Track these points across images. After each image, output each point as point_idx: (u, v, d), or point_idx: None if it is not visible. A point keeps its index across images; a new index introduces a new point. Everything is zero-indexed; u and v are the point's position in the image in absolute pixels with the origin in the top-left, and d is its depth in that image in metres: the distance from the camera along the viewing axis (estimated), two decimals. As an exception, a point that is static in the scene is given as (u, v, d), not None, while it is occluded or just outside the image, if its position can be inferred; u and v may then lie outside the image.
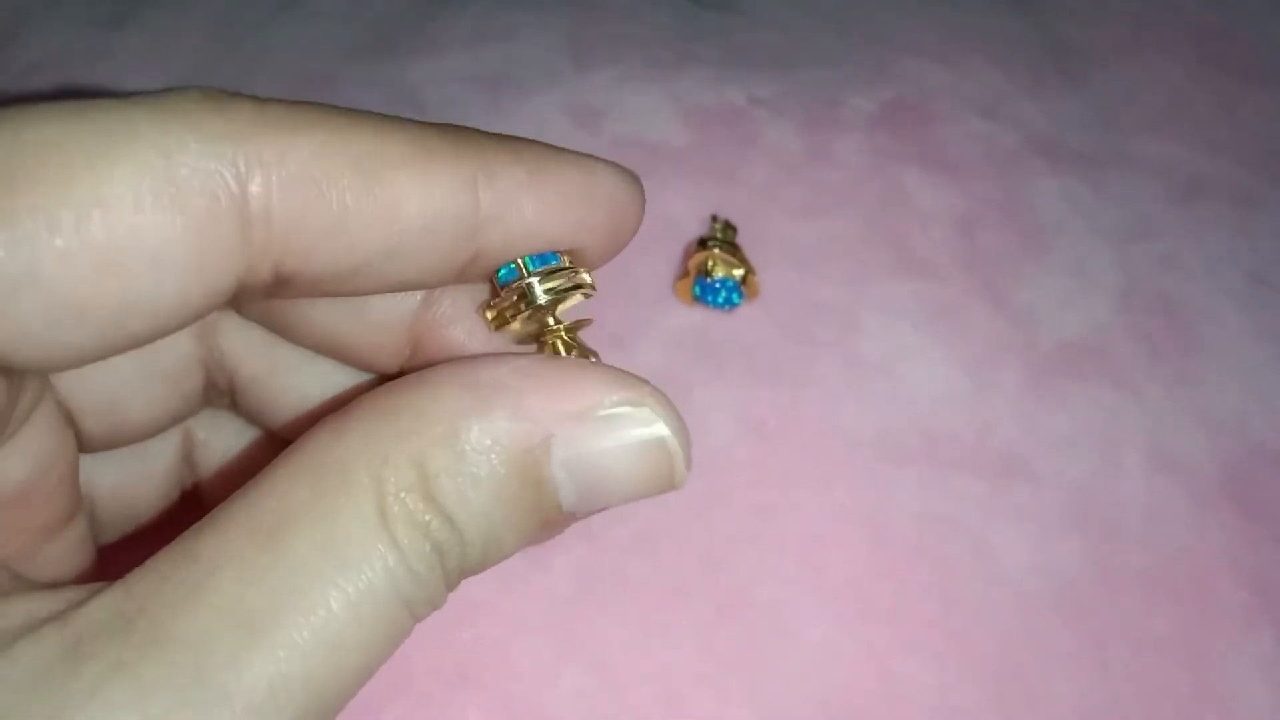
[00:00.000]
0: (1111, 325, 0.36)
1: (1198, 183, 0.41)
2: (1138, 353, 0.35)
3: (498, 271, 0.19)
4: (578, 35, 0.45)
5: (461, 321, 0.20)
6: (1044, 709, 0.28)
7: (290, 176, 0.16)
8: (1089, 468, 0.32)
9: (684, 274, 0.35)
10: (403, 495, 0.16)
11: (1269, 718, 0.28)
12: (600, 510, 0.18)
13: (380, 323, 0.20)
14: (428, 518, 0.16)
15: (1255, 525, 0.31)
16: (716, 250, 0.34)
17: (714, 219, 0.36)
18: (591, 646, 0.28)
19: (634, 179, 0.20)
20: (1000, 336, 0.35)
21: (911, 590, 0.29)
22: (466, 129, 0.19)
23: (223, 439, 0.24)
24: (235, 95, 0.17)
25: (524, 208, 0.18)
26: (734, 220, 0.37)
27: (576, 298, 0.19)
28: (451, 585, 0.16)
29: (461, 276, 0.19)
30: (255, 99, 0.17)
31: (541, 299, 0.19)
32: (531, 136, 0.20)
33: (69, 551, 0.20)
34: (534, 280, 0.19)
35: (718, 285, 0.34)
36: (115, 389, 0.20)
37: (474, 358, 0.18)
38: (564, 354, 0.19)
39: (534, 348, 0.20)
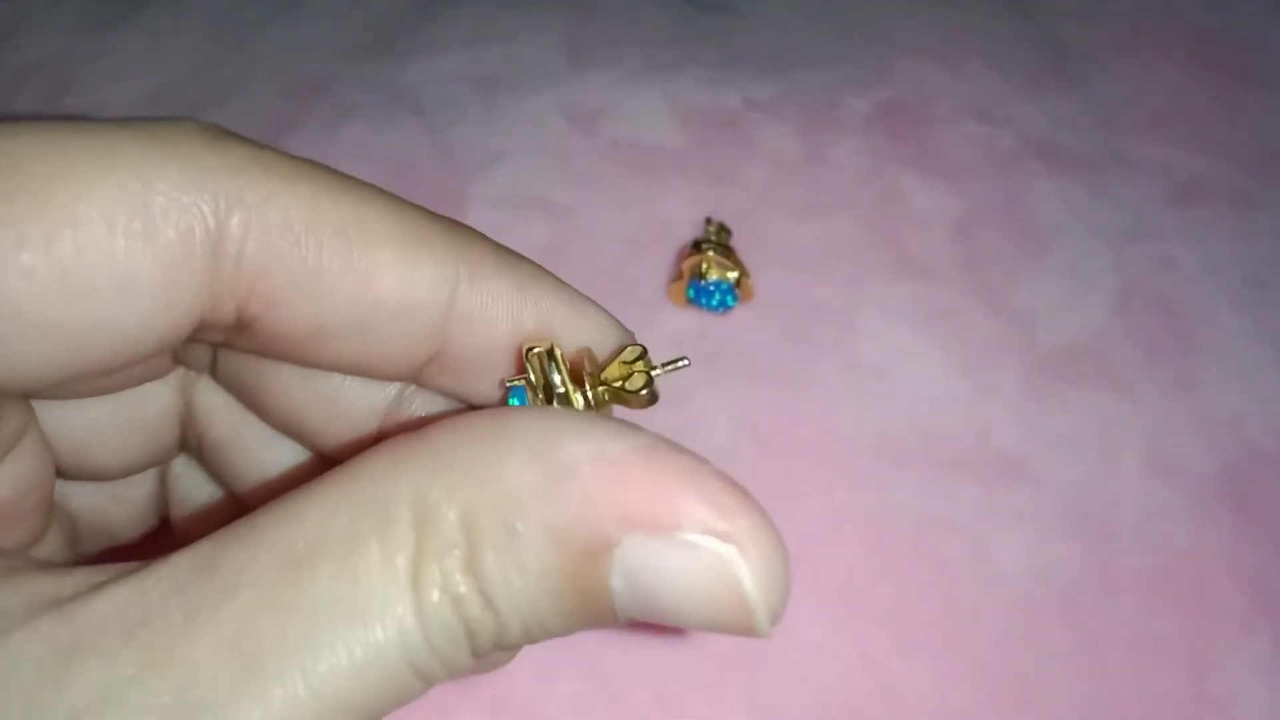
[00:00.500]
0: (1109, 327, 0.36)
1: (1196, 184, 0.41)
2: (1136, 354, 0.35)
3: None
4: (575, 37, 0.45)
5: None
6: (1042, 710, 0.28)
7: (270, 223, 0.16)
8: (1087, 469, 0.32)
9: (678, 276, 0.35)
10: (442, 559, 0.14)
11: (1267, 719, 0.28)
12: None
13: (349, 412, 0.20)
14: (463, 590, 0.14)
15: (1253, 527, 0.31)
16: (711, 253, 0.34)
17: (708, 221, 0.36)
18: (587, 651, 0.28)
19: (622, 328, 0.19)
20: (998, 338, 0.35)
21: (910, 592, 0.29)
22: (464, 225, 0.18)
23: (197, 480, 0.24)
24: (233, 135, 0.16)
25: (498, 321, 0.18)
26: (731, 222, 0.37)
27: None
28: (481, 655, 0.15)
29: (418, 375, 0.19)
30: (254, 142, 0.17)
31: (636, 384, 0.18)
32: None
33: (46, 559, 0.20)
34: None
35: (712, 288, 0.34)
36: (90, 434, 0.20)
37: (561, 414, 0.15)
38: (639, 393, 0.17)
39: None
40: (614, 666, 0.28)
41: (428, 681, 0.14)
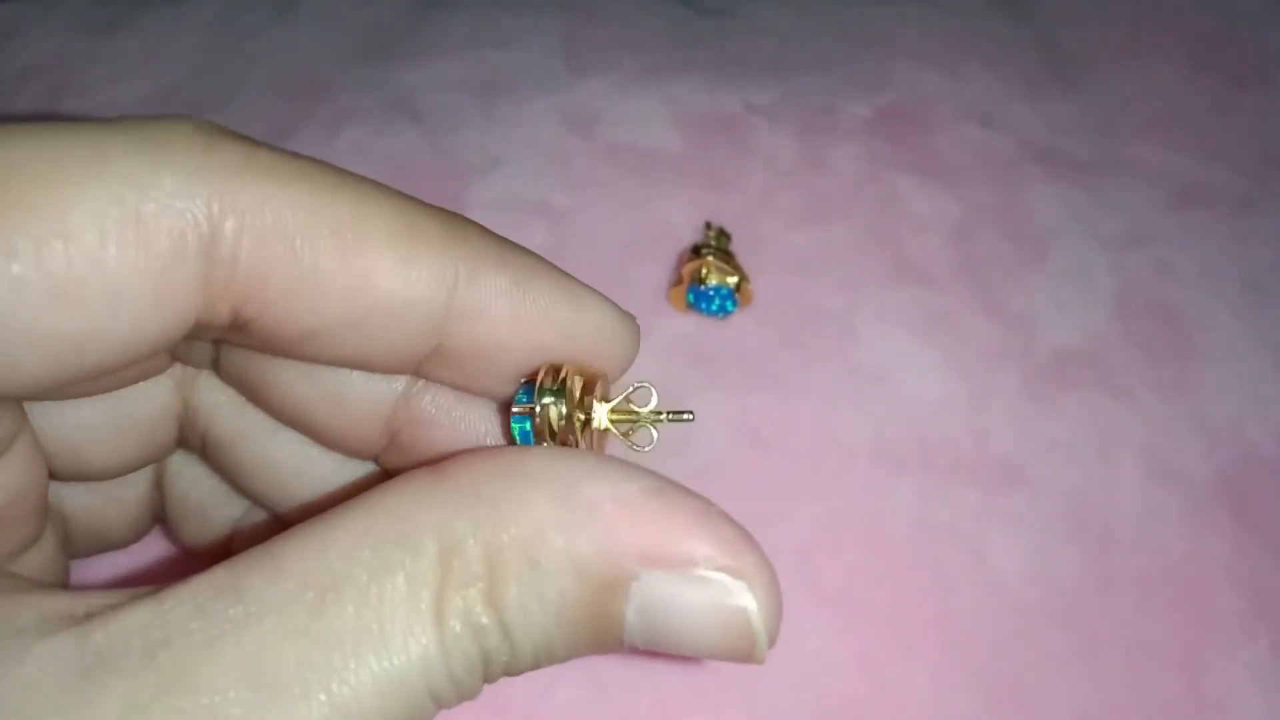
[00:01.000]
0: (1108, 332, 0.36)
1: (1194, 189, 0.41)
2: (1134, 359, 0.35)
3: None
4: (573, 41, 0.45)
5: (443, 421, 0.20)
6: (1040, 715, 0.28)
7: (264, 227, 0.16)
8: (1086, 473, 0.32)
9: (678, 281, 0.35)
10: (466, 591, 0.15)
11: (1266, 725, 0.28)
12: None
13: (357, 407, 0.20)
14: (485, 621, 0.15)
15: (1251, 532, 0.31)
16: (710, 257, 0.34)
17: (708, 226, 0.36)
18: (586, 659, 0.28)
19: (627, 321, 0.19)
20: (996, 343, 0.35)
21: (908, 596, 0.29)
22: (463, 219, 0.18)
23: (197, 476, 0.24)
24: (229, 134, 0.16)
25: (498, 318, 0.18)
26: (730, 226, 0.37)
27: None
28: (491, 681, 0.16)
29: (420, 368, 0.19)
30: (251, 141, 0.16)
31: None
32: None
33: (39, 568, 0.20)
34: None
35: (711, 293, 0.34)
36: (83, 435, 0.20)
37: (578, 456, 0.16)
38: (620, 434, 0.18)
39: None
40: (612, 673, 0.28)
41: (440, 706, 0.15)
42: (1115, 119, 0.43)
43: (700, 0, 0.48)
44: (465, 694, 0.15)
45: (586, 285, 0.19)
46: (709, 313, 0.35)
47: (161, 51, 0.44)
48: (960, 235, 0.38)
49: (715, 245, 0.35)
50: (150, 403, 0.21)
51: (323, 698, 0.14)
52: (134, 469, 0.22)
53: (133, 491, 0.23)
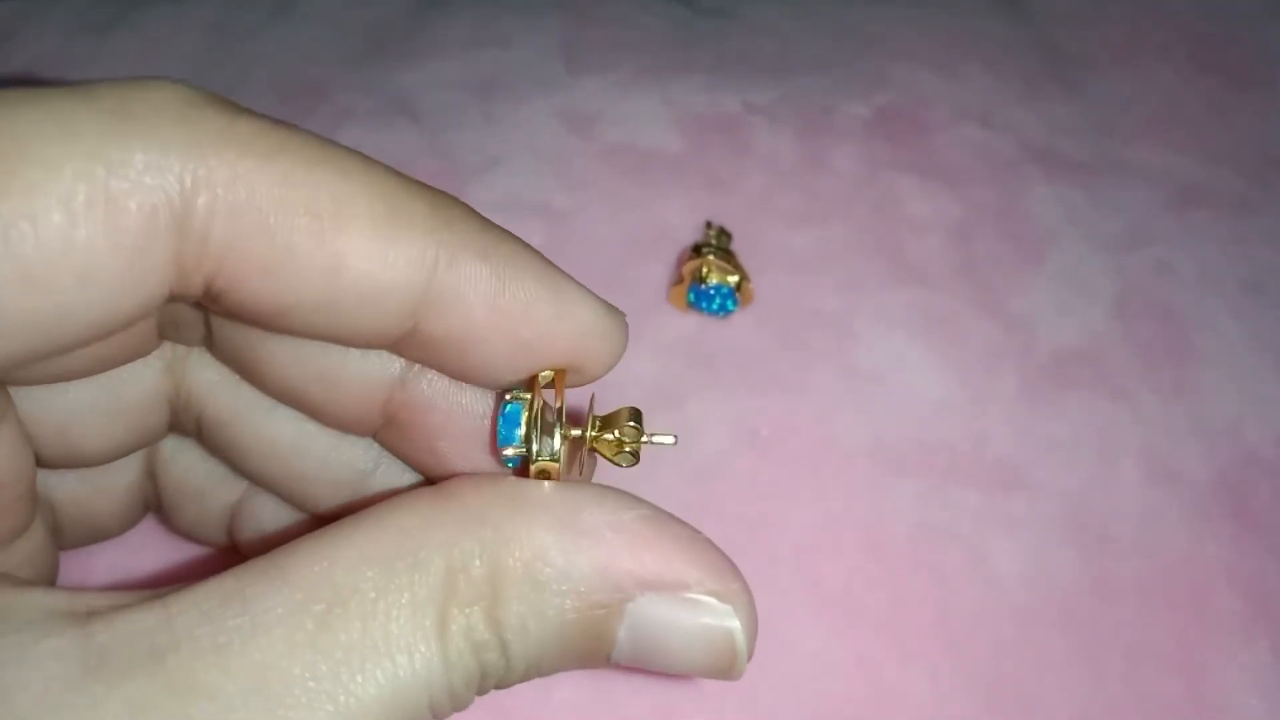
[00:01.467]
0: (1107, 333, 0.36)
1: (1193, 190, 0.41)
2: (1133, 361, 0.35)
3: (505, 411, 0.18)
4: (572, 41, 0.45)
5: (440, 405, 0.20)
6: (1040, 718, 0.28)
7: (238, 203, 0.15)
8: (1085, 475, 0.32)
9: (678, 280, 0.35)
10: (469, 608, 0.16)
11: (1265, 727, 0.28)
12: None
13: (352, 387, 0.20)
14: (485, 637, 0.16)
15: (1250, 534, 0.31)
16: (711, 257, 0.34)
17: (708, 225, 0.36)
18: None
19: (613, 318, 0.19)
20: (996, 345, 0.35)
21: (907, 598, 0.29)
22: (452, 201, 0.18)
23: (191, 460, 0.23)
24: (210, 100, 0.16)
25: (475, 308, 0.18)
26: (729, 227, 0.37)
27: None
28: (483, 694, 0.17)
29: (400, 350, 0.19)
30: (232, 108, 0.16)
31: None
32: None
33: (28, 559, 0.20)
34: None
35: (712, 292, 0.34)
36: (71, 419, 0.20)
37: (579, 487, 0.17)
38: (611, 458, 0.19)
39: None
40: (612, 674, 0.28)
41: (437, 718, 0.16)
42: (1115, 119, 0.43)
43: (700, 0, 0.48)
44: (459, 706, 0.16)
45: (573, 280, 0.19)
46: (710, 312, 0.34)
47: (161, 51, 0.44)
48: (959, 236, 0.38)
49: (716, 244, 0.35)
50: (139, 385, 0.21)
51: (330, 709, 0.14)
52: (124, 454, 0.22)
53: (123, 479, 0.23)
